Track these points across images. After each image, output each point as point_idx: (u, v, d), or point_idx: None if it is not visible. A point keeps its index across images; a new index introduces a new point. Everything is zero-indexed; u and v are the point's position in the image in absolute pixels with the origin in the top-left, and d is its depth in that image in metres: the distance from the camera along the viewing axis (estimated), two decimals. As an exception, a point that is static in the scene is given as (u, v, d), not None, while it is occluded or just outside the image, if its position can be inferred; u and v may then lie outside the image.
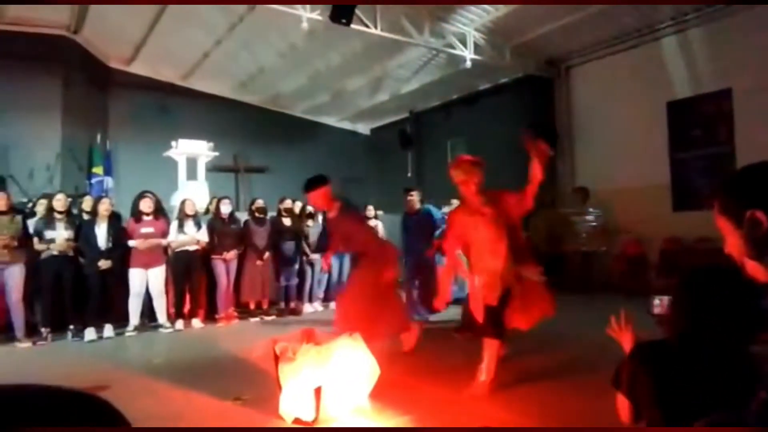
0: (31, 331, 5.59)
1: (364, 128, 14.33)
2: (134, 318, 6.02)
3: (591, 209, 8.56)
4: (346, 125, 13.96)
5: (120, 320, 6.03)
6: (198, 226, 6.52)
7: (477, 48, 8.80)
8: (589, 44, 9.04)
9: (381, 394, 3.20)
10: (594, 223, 8.51)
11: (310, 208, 7.53)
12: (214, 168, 10.49)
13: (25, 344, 5.41)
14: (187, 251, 6.37)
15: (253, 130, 11.82)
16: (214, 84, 11.36)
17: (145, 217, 6.13)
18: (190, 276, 6.41)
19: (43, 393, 0.75)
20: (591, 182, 8.88)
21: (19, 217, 5.61)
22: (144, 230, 6.07)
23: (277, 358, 3.19)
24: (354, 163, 12.89)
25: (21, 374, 4.01)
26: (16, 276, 5.40)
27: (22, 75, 8.63)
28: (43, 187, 7.80)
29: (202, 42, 9.56)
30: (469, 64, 8.77)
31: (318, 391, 3.03)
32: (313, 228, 7.45)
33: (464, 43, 8.66)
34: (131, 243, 5.99)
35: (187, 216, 6.47)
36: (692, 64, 7.89)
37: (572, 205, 8.96)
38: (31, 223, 5.79)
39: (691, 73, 7.92)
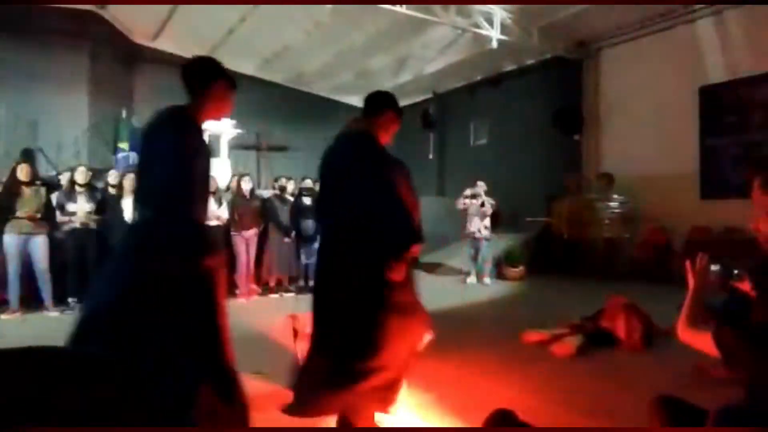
0: (59, 301, 5.75)
1: (386, 108, 14.22)
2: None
3: (616, 196, 8.41)
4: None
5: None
6: (219, 203, 6.60)
7: (504, 28, 8.61)
8: (620, 25, 8.78)
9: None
10: (618, 210, 8.36)
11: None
12: (236, 146, 10.57)
13: (54, 313, 5.58)
14: (209, 227, 6.47)
15: (276, 109, 11.84)
16: (238, 62, 11.32)
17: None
18: (211, 252, 6.52)
19: (62, 353, 0.77)
20: (617, 168, 8.71)
21: (42, 189, 5.73)
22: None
23: (296, 334, 3.24)
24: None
25: (52, 340, 4.13)
26: (40, 246, 5.53)
27: (51, 49, 8.78)
28: (70, 160, 7.97)
29: (226, 18, 9.55)
30: (495, 44, 8.60)
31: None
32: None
33: (491, 23, 8.49)
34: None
35: (210, 193, 6.55)
36: (728, 47, 7.61)
37: (597, 191, 8.82)
38: (55, 197, 5.92)
39: (727, 56, 7.64)
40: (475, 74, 11.44)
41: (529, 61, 10.34)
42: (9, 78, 8.31)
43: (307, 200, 7.34)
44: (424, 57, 10.82)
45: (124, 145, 9.64)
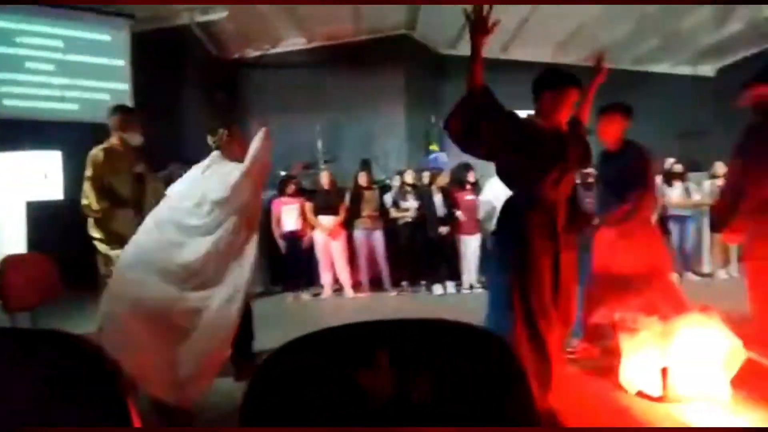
0: (395, 283, 6.86)
1: (708, 70, 12.06)
2: (467, 277, 6.74)
3: None
4: (684, 69, 12.01)
5: (457, 278, 6.84)
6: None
7: None
8: None
9: (750, 381, 2.76)
10: None
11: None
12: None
13: (392, 293, 6.72)
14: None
15: (575, 91, 11.38)
16: (532, 51, 11.37)
17: (468, 187, 6.78)
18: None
19: (454, 325, 0.97)
20: None
21: (377, 192, 6.96)
22: (468, 197, 6.72)
23: (615, 326, 3.11)
24: (696, 113, 11.05)
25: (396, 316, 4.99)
26: (379, 239, 6.74)
27: (376, 74, 10.49)
28: (395, 164, 9.40)
29: (519, 9, 9.65)
30: None
31: (664, 370, 2.83)
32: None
33: None
34: (458, 214, 6.69)
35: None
36: None
37: None
38: (388, 196, 7.08)
39: None
40: None
41: None
42: (354, 103, 10.35)
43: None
44: (761, -3, 8.76)
45: (434, 146, 10.83)
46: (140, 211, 3.47)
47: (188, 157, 9.19)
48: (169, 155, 7.69)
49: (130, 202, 3.48)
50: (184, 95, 9.96)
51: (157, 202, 3.15)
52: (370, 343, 0.82)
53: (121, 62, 8.39)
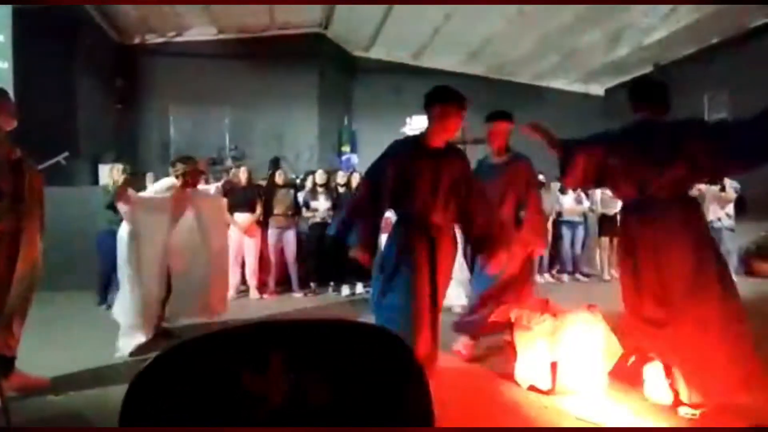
0: (303, 285, 6.76)
1: (597, 89, 13.19)
2: (376, 278, 6.82)
3: None
4: (578, 87, 13.03)
5: (368, 279, 6.88)
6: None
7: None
8: None
9: (625, 374, 3.03)
10: None
11: (541, 177, 7.37)
12: (443, 141, 10.96)
13: (298, 294, 6.61)
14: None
15: (479, 101, 11.84)
16: (442, 60, 11.76)
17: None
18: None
19: (349, 324, 0.97)
20: None
21: (291, 191, 6.83)
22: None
23: (512, 325, 3.28)
24: (586, 129, 12.00)
25: (301, 317, 4.90)
26: (291, 239, 6.60)
27: (289, 71, 10.32)
28: (306, 164, 9.28)
29: (432, 19, 9.96)
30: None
31: (554, 364, 3.03)
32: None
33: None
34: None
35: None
36: None
37: None
38: (300, 196, 6.97)
39: None
40: (710, 36, 9.84)
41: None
42: (264, 99, 10.08)
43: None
44: (644, 26, 9.73)
45: (346, 148, 10.85)
46: (18, 202, 3.13)
47: (81, 144, 8.52)
48: (60, 142, 7.01)
49: (5, 193, 3.11)
50: (77, 79, 9.15)
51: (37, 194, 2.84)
52: (263, 345, 0.78)
53: (0, 38, 7.52)
